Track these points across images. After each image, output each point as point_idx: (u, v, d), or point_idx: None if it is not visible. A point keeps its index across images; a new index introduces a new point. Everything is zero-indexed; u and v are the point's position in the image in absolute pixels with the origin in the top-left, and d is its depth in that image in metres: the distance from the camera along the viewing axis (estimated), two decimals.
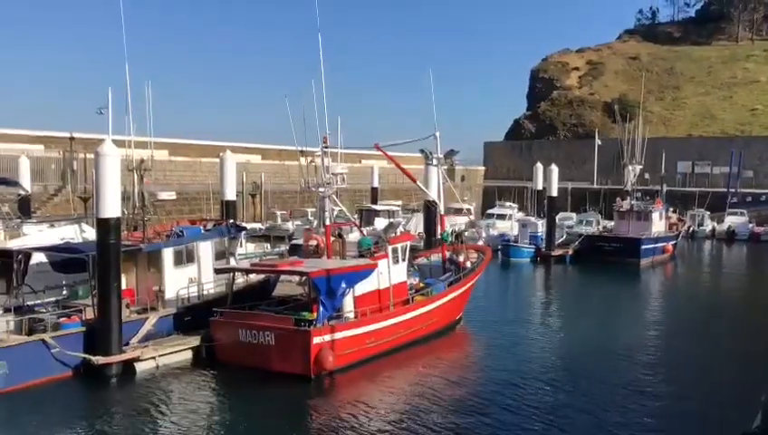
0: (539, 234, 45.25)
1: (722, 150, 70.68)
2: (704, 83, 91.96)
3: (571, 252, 43.78)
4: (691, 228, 56.33)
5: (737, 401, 15.65)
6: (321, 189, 20.93)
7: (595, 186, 72.54)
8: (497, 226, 50.25)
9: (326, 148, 21.02)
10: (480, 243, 44.14)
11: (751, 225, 56.72)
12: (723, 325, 26.81)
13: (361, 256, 21.25)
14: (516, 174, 79.91)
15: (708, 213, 59.59)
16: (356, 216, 50.83)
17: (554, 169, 44.77)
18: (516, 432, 14.74)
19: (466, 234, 45.46)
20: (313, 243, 21.71)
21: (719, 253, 51.96)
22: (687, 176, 73.14)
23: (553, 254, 43.04)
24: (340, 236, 21.61)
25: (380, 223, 48.04)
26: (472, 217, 56.37)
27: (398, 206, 54.77)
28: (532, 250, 43.89)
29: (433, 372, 19.54)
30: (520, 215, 54.13)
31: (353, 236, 22.66)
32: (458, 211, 55.46)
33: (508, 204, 60.36)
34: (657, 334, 24.78)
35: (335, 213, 23.28)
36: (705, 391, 17.61)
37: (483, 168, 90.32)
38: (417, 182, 25.76)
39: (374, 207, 52.16)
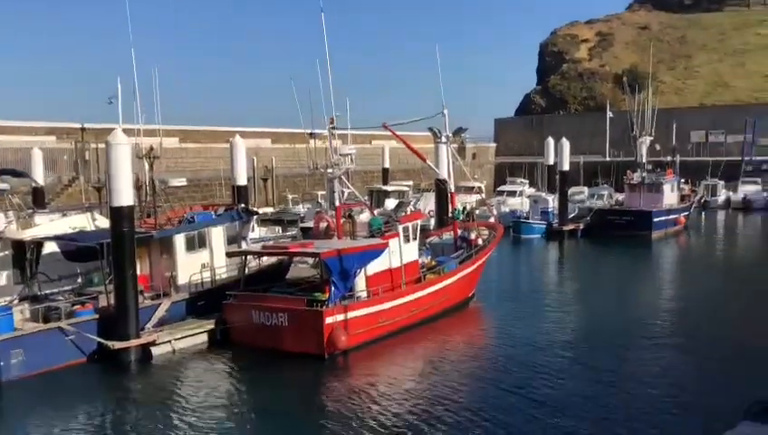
0: (550, 209, 45.09)
1: (736, 119, 69.82)
2: (716, 51, 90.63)
3: (582, 227, 43.63)
4: (703, 199, 55.80)
5: (752, 374, 15.59)
6: (329, 171, 20.99)
7: (607, 159, 72.01)
8: (508, 202, 50.18)
9: (333, 129, 21.05)
10: (491, 220, 44.16)
11: (765, 193, 56.13)
12: (737, 299, 26.43)
13: (372, 235, 21.35)
14: (528, 150, 79.48)
15: (722, 183, 59.01)
16: (366, 197, 51.15)
17: (565, 143, 44.47)
18: (528, 412, 14.71)
19: (478, 211, 45.41)
20: (324, 224, 21.85)
21: (733, 223, 51.52)
22: (701, 145, 72.38)
23: (565, 229, 42.89)
24: (350, 216, 21.70)
25: (391, 203, 48.16)
26: (483, 195, 56.41)
27: (409, 186, 54.79)
28: (544, 226, 43.79)
29: (446, 349, 19.73)
30: (531, 191, 53.99)
31: (364, 217, 22.71)
32: (469, 189, 55.52)
33: (519, 180, 60.24)
34: (670, 311, 24.35)
35: (345, 194, 23.37)
36: (717, 368, 17.32)
37: (494, 144, 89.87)
38: (427, 161, 25.68)
39: (384, 187, 52.20)
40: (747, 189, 56.79)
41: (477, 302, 25.67)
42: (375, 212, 24.49)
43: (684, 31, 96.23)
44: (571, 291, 29.84)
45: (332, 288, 18.37)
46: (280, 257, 22.52)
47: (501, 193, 54.62)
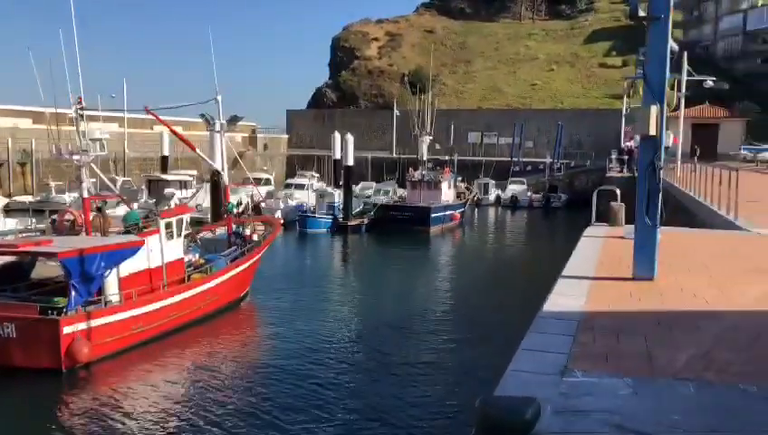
0: (336, 204, 45.16)
1: (507, 122, 75.68)
2: (492, 58, 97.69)
3: (366, 221, 44.26)
4: (477, 196, 59.61)
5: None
6: (75, 157, 18.44)
7: (394, 155, 74.33)
8: (295, 196, 49.49)
9: (81, 110, 18.51)
10: (278, 214, 43.22)
11: (529, 192, 61.36)
12: (503, 290, 28.01)
13: (128, 232, 19.20)
14: (320, 143, 79.43)
15: (494, 181, 63.51)
16: (143, 186, 47.54)
17: (350, 138, 44.72)
18: (295, 418, 14.01)
19: (263, 205, 44.27)
20: (69, 218, 19.23)
21: (502, 219, 55.60)
22: (477, 146, 77.55)
23: (349, 224, 43.19)
24: (99, 210, 19.31)
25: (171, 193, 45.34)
26: (271, 187, 55.27)
27: (192, 176, 51.91)
28: (329, 220, 43.69)
29: (208, 353, 18.45)
30: (320, 185, 53.86)
31: (120, 211, 20.40)
32: (257, 181, 54.09)
33: (309, 173, 59.92)
34: (441, 303, 25.22)
35: (119, 182, 20.92)
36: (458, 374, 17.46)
37: (286, 136, 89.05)
38: (197, 150, 23.87)
39: (164, 176, 48.91)
40: (514, 188, 61.56)
41: (251, 301, 24.56)
42: (135, 205, 22.15)
43: (464, 37, 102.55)
44: (350, 285, 29.88)
45: (72, 293, 16.05)
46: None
47: (289, 186, 53.80)
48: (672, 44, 8.61)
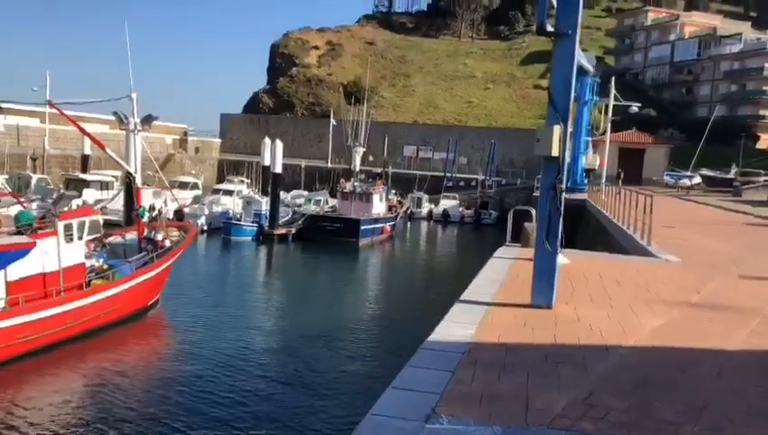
0: (263, 212, 44.04)
1: (442, 137, 76.09)
2: (431, 74, 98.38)
3: (294, 231, 43.35)
4: (410, 210, 59.45)
5: None
6: None
7: (329, 165, 73.60)
8: (222, 202, 48.07)
9: None
10: (201, 220, 41.84)
11: (461, 208, 61.60)
12: (417, 309, 27.51)
13: (19, 232, 17.82)
14: (254, 149, 77.87)
15: (426, 196, 63.53)
16: (61, 185, 45.26)
17: (279, 144, 43.79)
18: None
19: (187, 210, 42.82)
20: None
21: (433, 234, 55.55)
22: (412, 159, 77.63)
23: (276, 233, 42.19)
24: None
25: (92, 194, 43.34)
26: (199, 192, 53.63)
27: (116, 177, 49.80)
28: (255, 229, 42.57)
29: (106, 365, 17.33)
30: (248, 191, 52.55)
31: (13, 210, 19.01)
32: (184, 185, 52.44)
33: (238, 179, 58.50)
34: (356, 317, 24.60)
35: (34, 181, 19.42)
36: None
37: (219, 140, 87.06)
38: (107, 150, 22.57)
39: (83, 176, 46.74)
40: (447, 203, 61.67)
41: (161, 310, 23.37)
42: (33, 205, 20.74)
43: (405, 51, 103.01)
44: (269, 296, 29.04)
45: None
46: None
47: (217, 192, 52.28)
48: (586, 65, 8.29)
